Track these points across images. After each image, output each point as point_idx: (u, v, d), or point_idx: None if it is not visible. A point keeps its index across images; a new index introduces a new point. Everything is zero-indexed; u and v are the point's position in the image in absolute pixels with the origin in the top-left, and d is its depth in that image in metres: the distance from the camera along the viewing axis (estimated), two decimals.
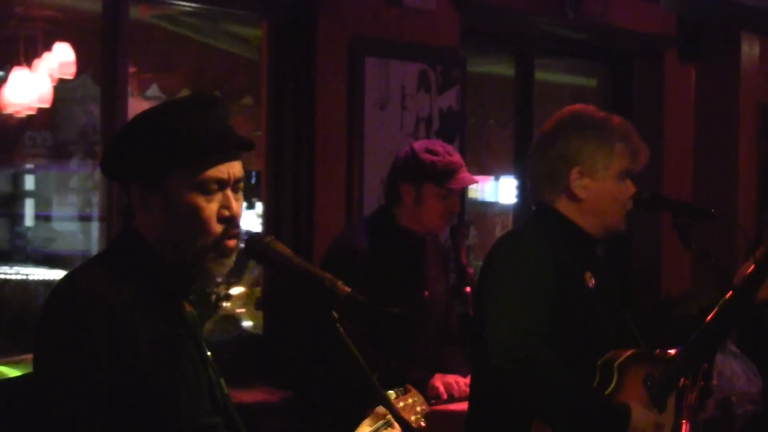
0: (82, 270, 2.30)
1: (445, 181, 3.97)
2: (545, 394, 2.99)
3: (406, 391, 2.66)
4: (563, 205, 3.20)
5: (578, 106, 3.28)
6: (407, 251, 4.05)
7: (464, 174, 4.01)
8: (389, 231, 4.02)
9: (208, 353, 2.35)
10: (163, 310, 2.26)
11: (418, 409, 2.67)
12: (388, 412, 2.40)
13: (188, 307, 2.36)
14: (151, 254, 2.27)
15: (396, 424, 2.45)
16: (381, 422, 2.48)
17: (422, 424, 2.66)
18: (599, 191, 3.17)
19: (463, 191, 5.82)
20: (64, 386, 2.14)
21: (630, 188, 3.21)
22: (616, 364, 3.04)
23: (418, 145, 4.06)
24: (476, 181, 4.16)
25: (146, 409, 2.18)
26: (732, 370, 4.93)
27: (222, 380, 2.37)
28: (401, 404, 2.62)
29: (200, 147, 2.24)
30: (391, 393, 2.61)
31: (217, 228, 2.27)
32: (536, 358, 2.96)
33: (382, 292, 3.85)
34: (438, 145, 4.09)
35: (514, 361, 2.95)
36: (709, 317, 3.15)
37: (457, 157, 4.03)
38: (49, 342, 2.18)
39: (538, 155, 3.25)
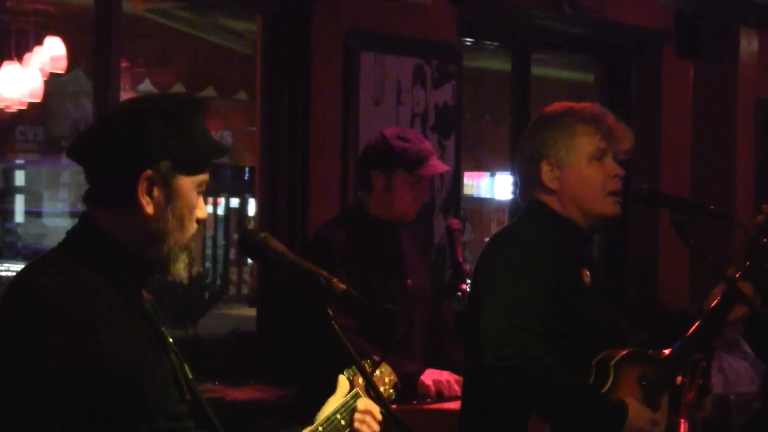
0: (41, 262, 2.27)
1: (416, 168, 3.96)
2: (540, 390, 2.98)
3: (373, 363, 2.64)
4: (544, 201, 3.21)
5: (549, 106, 3.29)
6: (380, 241, 4.03)
7: (435, 161, 4.02)
8: (361, 222, 4.01)
9: (170, 339, 2.34)
10: (123, 300, 2.25)
11: (387, 380, 2.67)
12: (355, 386, 2.46)
13: (146, 295, 2.35)
14: (114, 245, 2.25)
15: (364, 396, 2.46)
16: (349, 396, 2.46)
17: (392, 393, 2.66)
18: (570, 178, 3.17)
19: (452, 184, 5.80)
20: (21, 380, 2.11)
21: (610, 169, 3.18)
22: (612, 363, 3.03)
23: (389, 131, 4.05)
24: (446, 169, 4.23)
25: (112, 399, 2.15)
26: (737, 372, 4.88)
27: (186, 366, 2.36)
28: None
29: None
30: (354, 368, 2.58)
31: (194, 228, 2.32)
32: (530, 354, 2.95)
33: (363, 284, 3.81)
34: (409, 132, 4.10)
35: (508, 357, 2.94)
36: (703, 316, 3.14)
37: (427, 145, 4.04)
38: (5, 336, 2.15)
39: (516, 159, 3.31)
